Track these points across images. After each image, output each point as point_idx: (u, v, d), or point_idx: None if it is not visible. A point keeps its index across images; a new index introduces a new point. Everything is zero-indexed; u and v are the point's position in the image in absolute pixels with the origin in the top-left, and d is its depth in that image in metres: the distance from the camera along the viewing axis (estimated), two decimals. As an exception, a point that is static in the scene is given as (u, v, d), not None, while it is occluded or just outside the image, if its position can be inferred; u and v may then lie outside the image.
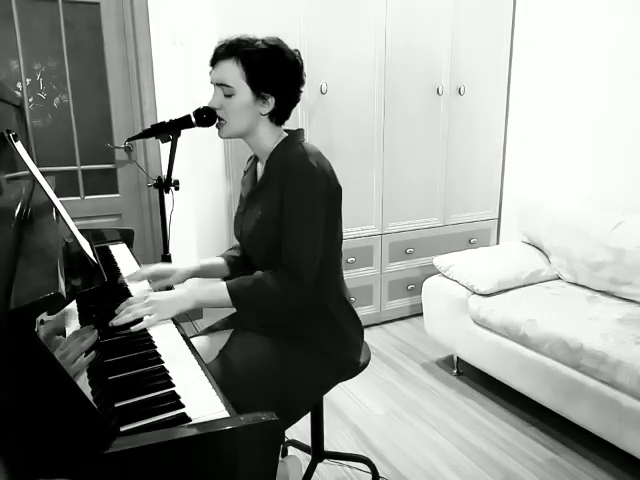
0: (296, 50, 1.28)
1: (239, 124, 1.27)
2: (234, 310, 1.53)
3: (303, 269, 1.23)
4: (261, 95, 1.25)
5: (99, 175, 2.83)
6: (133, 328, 1.11)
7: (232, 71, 1.22)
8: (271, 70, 1.23)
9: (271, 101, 1.26)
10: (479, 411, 2.21)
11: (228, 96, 1.24)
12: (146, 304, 1.16)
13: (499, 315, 2.16)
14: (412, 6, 2.78)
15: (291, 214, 1.23)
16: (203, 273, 1.45)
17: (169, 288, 1.90)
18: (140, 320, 1.13)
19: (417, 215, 3.10)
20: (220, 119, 1.28)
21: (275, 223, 1.26)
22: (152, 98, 2.77)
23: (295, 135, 1.33)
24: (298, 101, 1.32)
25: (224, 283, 1.24)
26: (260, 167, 1.39)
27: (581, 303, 2.18)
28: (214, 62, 1.26)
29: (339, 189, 1.31)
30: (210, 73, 1.28)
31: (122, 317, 1.12)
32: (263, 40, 1.24)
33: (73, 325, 1.13)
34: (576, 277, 2.41)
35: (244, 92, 1.24)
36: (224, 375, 1.21)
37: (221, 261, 1.48)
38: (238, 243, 1.54)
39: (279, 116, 1.30)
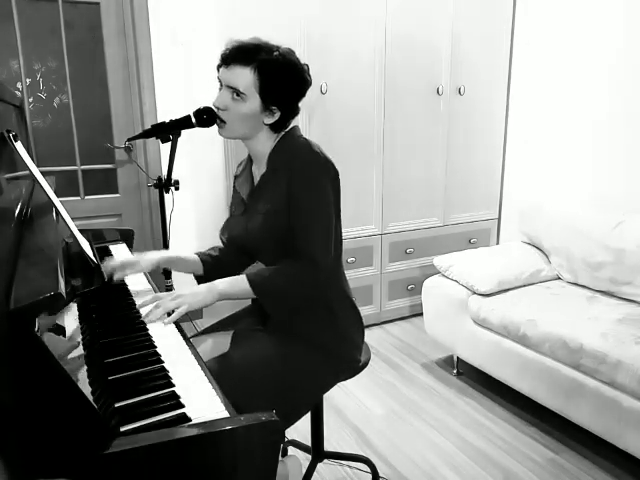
0: (306, 65, 1.29)
1: (240, 129, 1.28)
2: (234, 310, 1.54)
3: (317, 254, 1.24)
4: (269, 107, 1.26)
5: (99, 175, 2.83)
6: (166, 321, 1.14)
7: (247, 78, 1.22)
8: (285, 86, 1.24)
9: (277, 114, 1.28)
10: (479, 411, 2.21)
11: (236, 100, 1.24)
12: (173, 298, 1.19)
13: (499, 315, 2.16)
14: (412, 6, 2.78)
15: (301, 202, 1.24)
16: (170, 264, 1.43)
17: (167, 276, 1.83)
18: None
19: (417, 215, 3.10)
20: (221, 120, 1.28)
21: (283, 214, 1.27)
22: (152, 98, 2.77)
23: (293, 131, 1.34)
24: (298, 113, 1.34)
25: (244, 275, 1.25)
26: (255, 168, 1.39)
27: (581, 303, 2.18)
28: (227, 62, 1.24)
29: (338, 175, 1.32)
30: (219, 70, 1.27)
31: (153, 312, 1.15)
32: (279, 51, 1.23)
33: (73, 325, 1.13)
34: (576, 277, 2.41)
35: (253, 101, 1.24)
36: (224, 374, 1.21)
37: (194, 257, 1.46)
38: (218, 244, 1.53)
39: (279, 126, 1.31)
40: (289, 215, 1.26)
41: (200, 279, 1.49)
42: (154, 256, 1.39)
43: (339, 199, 1.34)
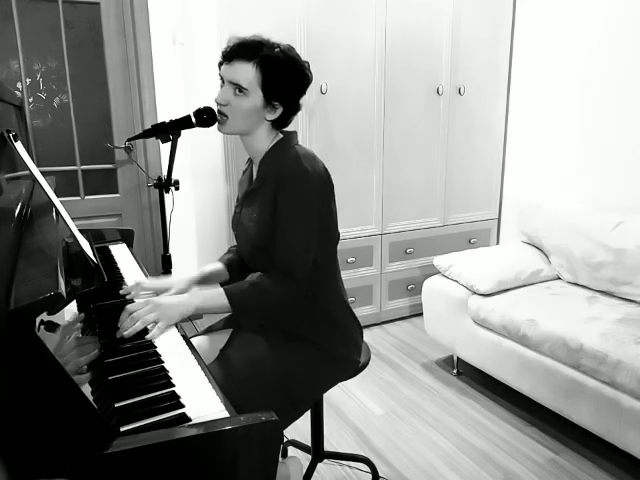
0: (306, 62, 1.29)
1: (242, 124, 1.28)
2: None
3: (296, 271, 1.24)
4: (271, 103, 1.26)
5: (99, 175, 2.83)
6: (148, 336, 1.08)
7: (249, 74, 1.22)
8: (286, 81, 1.25)
9: (279, 110, 1.28)
10: (479, 411, 2.21)
11: (238, 96, 1.24)
12: (150, 309, 1.12)
13: (499, 315, 2.16)
14: (412, 6, 2.78)
15: (285, 217, 1.24)
16: (204, 281, 1.43)
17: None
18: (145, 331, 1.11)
19: (417, 215, 3.10)
20: (223, 115, 1.28)
21: (266, 225, 1.28)
22: (152, 98, 2.77)
23: (289, 137, 1.34)
24: (299, 110, 1.34)
25: (221, 289, 1.23)
26: (255, 168, 1.40)
27: (581, 303, 2.17)
28: (230, 59, 1.24)
29: (332, 189, 1.33)
30: (221, 66, 1.27)
31: (132, 327, 1.08)
32: (280, 48, 1.24)
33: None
34: (576, 277, 2.41)
35: (256, 96, 1.24)
36: (225, 375, 1.21)
37: (220, 266, 1.47)
38: (232, 247, 1.55)
39: (280, 123, 1.32)
40: (273, 227, 1.27)
41: (225, 284, 1.50)
42: (187, 279, 1.38)
43: (333, 208, 1.34)
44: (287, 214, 1.24)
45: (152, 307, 1.13)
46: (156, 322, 1.12)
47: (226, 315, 1.52)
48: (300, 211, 1.24)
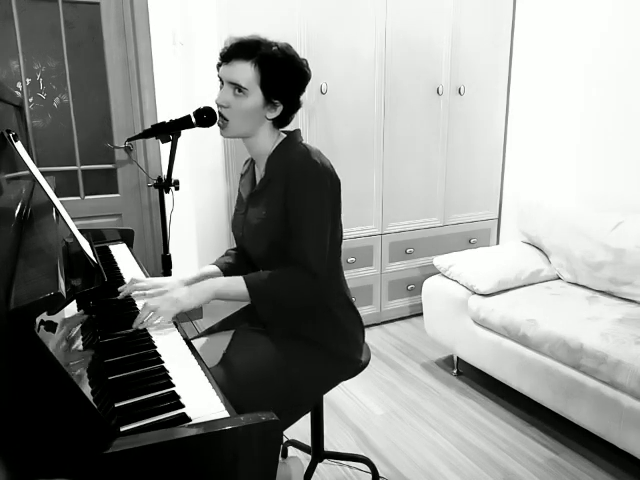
0: (304, 59, 1.30)
1: (243, 125, 1.28)
2: (234, 310, 1.54)
3: (314, 266, 1.24)
4: (271, 101, 1.26)
5: (99, 175, 2.83)
6: (156, 322, 1.15)
7: (248, 73, 1.22)
8: (286, 79, 1.25)
9: (279, 108, 1.28)
10: (479, 411, 2.21)
11: (238, 96, 1.24)
12: (166, 300, 1.18)
13: (499, 315, 2.16)
14: (412, 6, 2.78)
15: (298, 213, 1.24)
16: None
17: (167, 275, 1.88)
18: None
19: (417, 215, 3.10)
20: (223, 118, 1.28)
21: (278, 221, 1.27)
22: (152, 98, 2.77)
23: (294, 135, 1.34)
24: (300, 108, 1.35)
25: (241, 277, 1.25)
26: (258, 169, 1.39)
27: (581, 303, 2.18)
28: (228, 59, 1.25)
29: (339, 184, 1.33)
30: (220, 67, 1.28)
31: (150, 319, 1.15)
32: (278, 46, 1.25)
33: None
34: (576, 277, 2.41)
35: (255, 95, 1.24)
36: (227, 377, 1.21)
37: (215, 269, 1.47)
38: (230, 249, 1.55)
39: (281, 121, 1.32)
40: (285, 223, 1.27)
41: None
42: (181, 279, 1.39)
43: (339, 204, 1.34)
44: (300, 210, 1.24)
45: (168, 298, 1.19)
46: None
47: (227, 315, 1.52)
48: (312, 207, 1.24)
